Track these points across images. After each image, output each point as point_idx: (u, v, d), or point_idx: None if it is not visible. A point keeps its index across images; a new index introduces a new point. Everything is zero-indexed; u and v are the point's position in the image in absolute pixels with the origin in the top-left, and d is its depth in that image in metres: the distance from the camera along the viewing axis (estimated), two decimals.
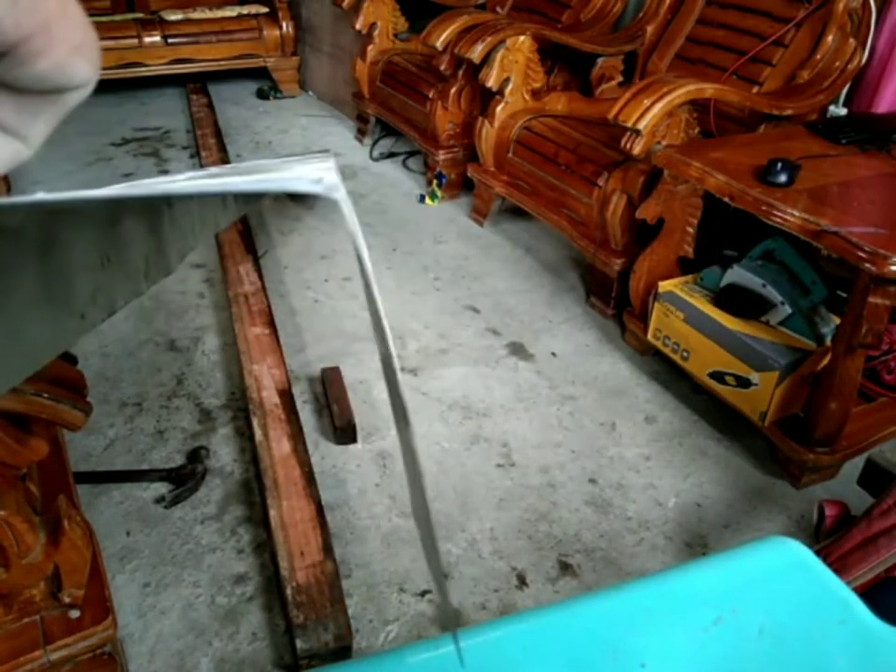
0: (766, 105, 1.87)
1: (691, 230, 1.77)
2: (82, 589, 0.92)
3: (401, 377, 0.31)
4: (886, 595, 1.09)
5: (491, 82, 2.31)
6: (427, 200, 2.76)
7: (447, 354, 1.93)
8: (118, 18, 3.59)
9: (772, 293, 1.59)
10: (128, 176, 2.91)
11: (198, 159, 3.04)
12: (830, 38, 1.94)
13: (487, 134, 2.39)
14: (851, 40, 1.92)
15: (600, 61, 2.51)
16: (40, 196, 0.19)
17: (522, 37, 2.28)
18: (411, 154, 3.13)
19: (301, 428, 1.55)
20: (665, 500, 1.51)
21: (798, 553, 0.68)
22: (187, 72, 3.68)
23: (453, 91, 2.60)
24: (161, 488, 1.48)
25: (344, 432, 1.60)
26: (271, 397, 1.61)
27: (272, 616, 1.24)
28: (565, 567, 1.35)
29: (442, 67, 2.56)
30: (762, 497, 1.53)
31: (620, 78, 2.55)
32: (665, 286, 1.75)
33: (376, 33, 3.06)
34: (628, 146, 1.78)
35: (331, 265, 2.32)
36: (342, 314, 2.09)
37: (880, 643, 0.61)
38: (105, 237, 0.28)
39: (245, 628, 1.22)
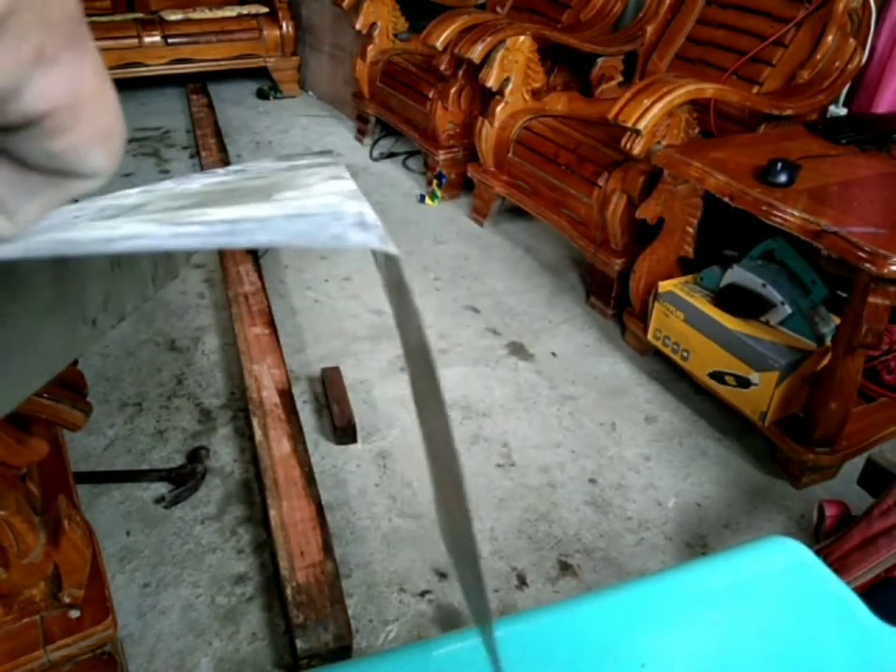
0: (766, 105, 1.87)
1: (691, 230, 1.77)
2: (82, 589, 0.92)
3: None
4: (886, 594, 1.09)
5: (491, 82, 2.31)
6: (427, 200, 2.76)
7: (447, 354, 1.93)
8: (118, 18, 3.59)
9: (772, 293, 1.59)
10: (128, 176, 2.91)
11: (198, 159, 3.04)
12: (830, 38, 1.94)
13: (487, 134, 2.39)
14: (851, 40, 1.92)
15: (600, 61, 2.51)
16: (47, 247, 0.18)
17: (522, 37, 2.28)
18: (411, 154, 3.13)
19: (300, 428, 1.55)
20: (664, 500, 1.51)
21: (798, 553, 0.68)
22: (187, 72, 3.68)
23: (453, 91, 2.60)
24: (161, 488, 1.48)
25: (344, 432, 1.60)
26: (271, 397, 1.61)
27: (272, 616, 1.24)
28: (565, 567, 1.35)
29: (442, 67, 2.56)
30: (762, 497, 1.53)
31: (620, 78, 2.55)
32: (664, 286, 1.75)
33: (376, 33, 3.06)
34: (628, 146, 1.78)
35: (331, 265, 2.32)
36: (342, 314, 2.09)
37: (880, 643, 0.61)
38: None
39: (245, 628, 1.22)
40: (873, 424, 1.57)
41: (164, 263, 0.36)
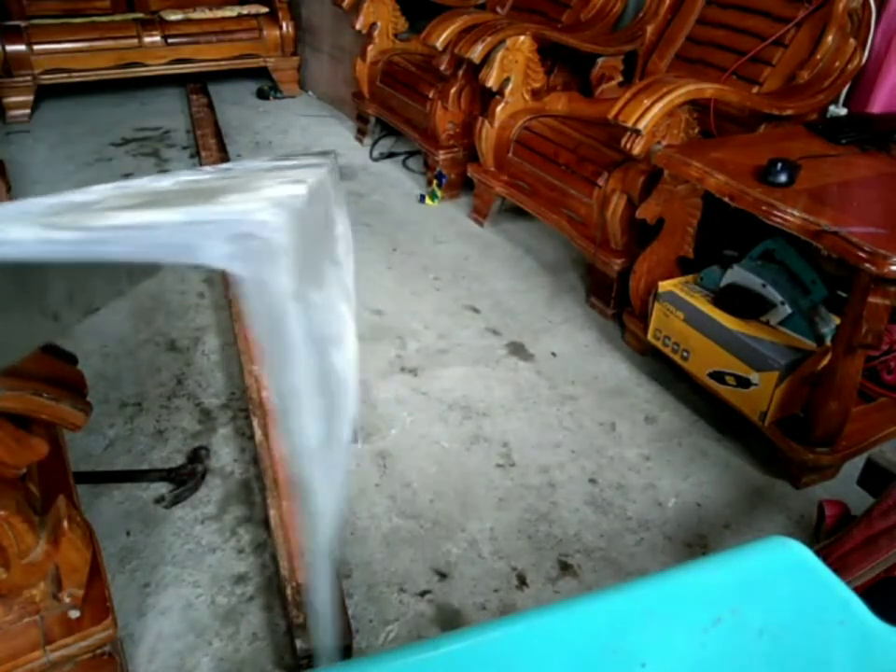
0: (766, 105, 1.87)
1: (691, 230, 1.77)
2: (82, 589, 0.92)
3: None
4: (886, 595, 1.09)
5: (491, 82, 2.31)
6: (427, 200, 2.76)
7: (447, 354, 1.93)
8: (118, 18, 3.59)
9: (772, 293, 1.59)
10: (128, 176, 2.91)
11: (198, 159, 3.04)
12: (830, 38, 1.94)
13: (487, 134, 2.39)
14: (851, 40, 1.92)
15: (600, 61, 2.51)
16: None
17: (522, 37, 2.28)
18: (411, 154, 3.13)
19: None
20: (664, 500, 1.51)
21: (798, 553, 0.68)
22: (187, 72, 3.68)
23: (453, 91, 2.60)
24: (161, 488, 1.48)
25: None
26: (271, 397, 1.61)
27: (272, 616, 1.24)
28: (565, 567, 1.35)
29: (442, 67, 2.56)
30: (762, 497, 1.53)
31: (620, 78, 2.54)
32: (664, 286, 1.75)
33: (376, 33, 3.06)
34: (628, 146, 1.78)
35: None
36: None
37: (880, 643, 0.61)
38: None
39: (245, 628, 1.22)
40: (873, 424, 1.57)
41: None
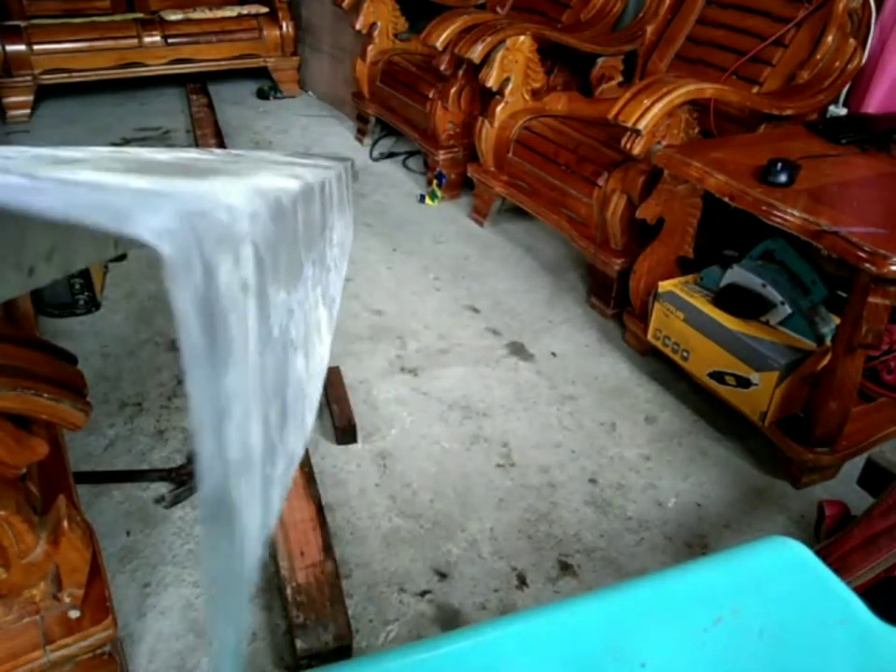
0: (766, 105, 1.87)
1: (691, 230, 1.77)
2: (82, 589, 0.92)
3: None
4: (886, 595, 1.09)
5: (491, 82, 2.31)
6: (427, 200, 2.76)
7: (447, 354, 1.93)
8: (118, 18, 3.59)
9: (772, 293, 1.59)
10: None
11: None
12: (830, 38, 1.94)
13: (487, 134, 2.39)
14: (851, 40, 1.92)
15: (600, 61, 2.51)
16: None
17: (522, 37, 2.28)
18: (411, 154, 3.13)
19: None
20: (664, 500, 1.51)
21: (798, 553, 0.68)
22: (187, 72, 3.68)
23: (453, 90, 2.60)
24: (161, 488, 1.48)
25: (344, 432, 1.60)
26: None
27: (272, 616, 1.24)
28: (565, 567, 1.35)
29: (442, 67, 2.56)
30: (762, 497, 1.53)
31: (620, 78, 2.55)
32: (664, 286, 1.75)
33: (376, 33, 3.06)
34: (628, 146, 1.78)
35: None
36: (342, 314, 2.08)
37: (880, 643, 0.61)
38: None
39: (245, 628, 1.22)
40: (873, 424, 1.57)
41: None
